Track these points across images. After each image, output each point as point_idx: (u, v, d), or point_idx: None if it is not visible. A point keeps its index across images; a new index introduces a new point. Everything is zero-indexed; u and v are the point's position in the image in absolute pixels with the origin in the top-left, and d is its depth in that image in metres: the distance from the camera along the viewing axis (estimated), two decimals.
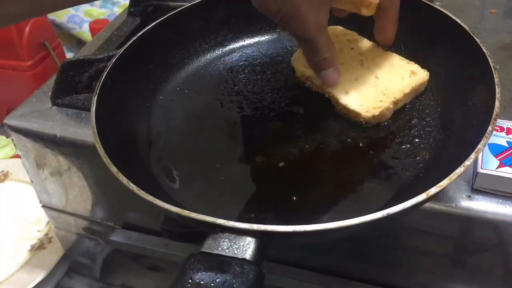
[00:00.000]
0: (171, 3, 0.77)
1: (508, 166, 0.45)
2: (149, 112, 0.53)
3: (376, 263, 0.56)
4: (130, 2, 0.78)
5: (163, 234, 0.51)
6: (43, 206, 0.70)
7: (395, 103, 0.49)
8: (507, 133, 0.48)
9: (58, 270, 0.78)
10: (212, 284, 0.31)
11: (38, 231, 0.83)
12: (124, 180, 0.38)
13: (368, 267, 0.56)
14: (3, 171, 0.95)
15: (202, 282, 0.32)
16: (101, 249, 0.72)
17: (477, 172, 0.45)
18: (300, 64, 0.55)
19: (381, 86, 0.50)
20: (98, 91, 0.47)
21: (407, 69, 0.51)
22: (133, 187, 0.38)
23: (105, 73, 0.49)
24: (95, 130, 0.43)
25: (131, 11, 0.77)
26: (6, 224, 0.85)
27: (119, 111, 0.49)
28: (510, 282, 0.50)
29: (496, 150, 0.46)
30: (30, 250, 0.80)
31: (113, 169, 0.39)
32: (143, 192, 0.37)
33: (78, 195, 0.64)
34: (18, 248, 0.80)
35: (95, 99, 0.46)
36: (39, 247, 0.80)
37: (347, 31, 0.57)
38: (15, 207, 0.87)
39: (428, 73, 0.51)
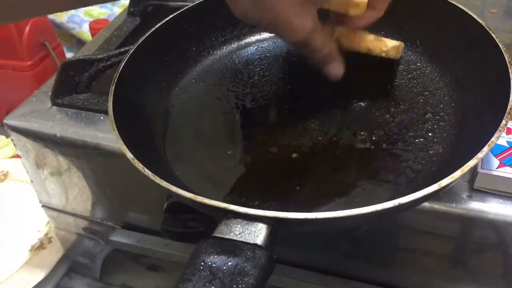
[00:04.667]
0: (171, 3, 0.77)
1: (508, 166, 0.45)
2: (165, 102, 0.54)
3: (376, 263, 0.56)
4: (130, 2, 0.78)
5: (163, 234, 0.52)
6: (43, 206, 0.70)
7: None
8: (507, 133, 0.48)
9: (58, 270, 0.78)
10: (224, 267, 0.32)
11: (38, 231, 0.83)
12: (140, 166, 0.39)
13: (368, 267, 0.56)
14: (3, 171, 0.95)
15: (214, 265, 0.32)
16: (101, 249, 0.72)
17: (477, 172, 0.45)
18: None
19: None
20: (116, 80, 0.48)
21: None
22: (148, 173, 0.38)
23: (123, 63, 0.50)
24: (112, 118, 0.43)
25: (131, 11, 0.77)
26: (6, 224, 0.85)
27: (136, 101, 0.50)
28: (510, 282, 0.50)
29: (496, 150, 0.46)
30: (30, 250, 0.80)
31: (129, 155, 0.40)
32: (158, 178, 0.38)
33: (78, 195, 0.64)
34: (18, 248, 0.80)
35: (112, 88, 0.47)
36: (39, 247, 0.80)
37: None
38: (15, 207, 0.87)
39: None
